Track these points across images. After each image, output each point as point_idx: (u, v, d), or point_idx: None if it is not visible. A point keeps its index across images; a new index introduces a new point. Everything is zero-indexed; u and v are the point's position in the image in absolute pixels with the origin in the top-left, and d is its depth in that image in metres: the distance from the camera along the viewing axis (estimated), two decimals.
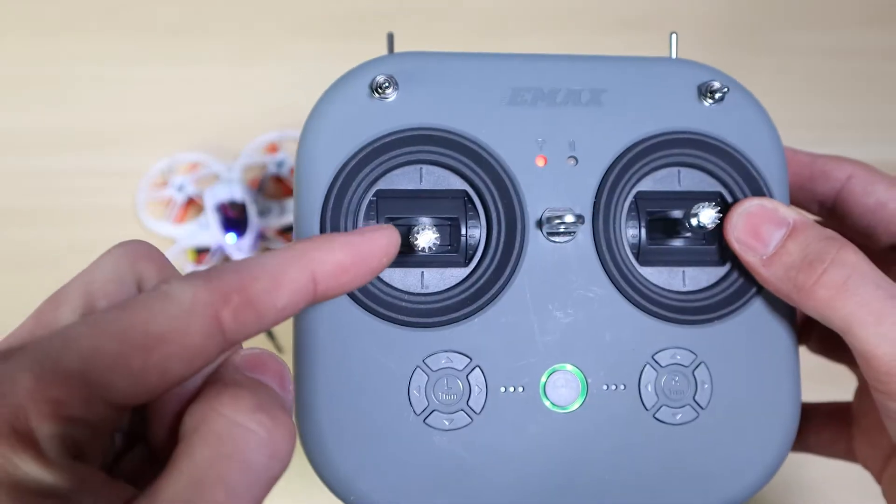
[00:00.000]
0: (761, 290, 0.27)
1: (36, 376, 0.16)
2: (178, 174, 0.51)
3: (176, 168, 0.52)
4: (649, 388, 0.26)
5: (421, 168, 0.26)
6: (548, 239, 0.26)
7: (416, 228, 0.25)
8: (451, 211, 0.26)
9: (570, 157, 0.26)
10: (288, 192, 0.52)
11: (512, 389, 0.26)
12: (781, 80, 0.56)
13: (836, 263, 0.24)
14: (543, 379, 0.26)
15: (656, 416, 0.26)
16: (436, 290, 0.26)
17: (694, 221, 0.25)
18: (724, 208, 0.27)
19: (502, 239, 0.26)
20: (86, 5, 0.59)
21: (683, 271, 0.27)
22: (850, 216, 0.30)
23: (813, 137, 0.54)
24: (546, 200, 0.26)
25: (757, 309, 0.27)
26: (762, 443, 0.26)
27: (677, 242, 0.27)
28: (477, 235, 0.26)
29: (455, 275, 0.26)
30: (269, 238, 0.49)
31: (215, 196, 0.48)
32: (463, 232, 0.26)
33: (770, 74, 0.56)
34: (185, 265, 0.48)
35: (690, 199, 0.27)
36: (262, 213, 0.49)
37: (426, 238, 0.25)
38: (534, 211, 0.26)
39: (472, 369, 0.26)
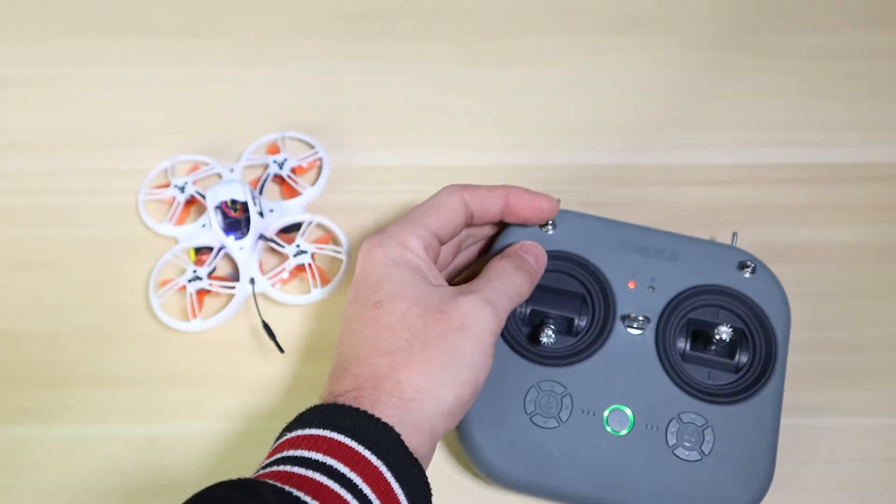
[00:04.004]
0: (756, 393, 0.41)
1: (408, 229, 0.39)
2: (179, 174, 0.51)
3: (177, 168, 0.52)
4: (672, 434, 0.40)
5: (560, 275, 0.44)
6: (626, 329, 0.42)
7: (546, 330, 0.42)
8: (570, 308, 0.43)
9: (650, 286, 0.43)
10: (289, 192, 0.52)
11: (587, 413, 0.41)
12: (781, 80, 0.56)
13: None
14: (606, 413, 0.41)
15: (674, 452, 0.40)
16: (554, 346, 0.43)
17: (717, 336, 0.41)
18: (743, 339, 0.42)
19: (598, 325, 0.43)
20: (87, 6, 0.59)
21: (709, 371, 0.42)
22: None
23: (813, 138, 0.54)
24: (630, 308, 0.43)
25: (752, 402, 0.41)
26: (745, 485, 0.39)
27: (709, 356, 0.42)
28: (584, 323, 0.43)
29: (568, 340, 0.43)
30: (269, 238, 0.49)
31: (217, 196, 0.48)
32: (576, 320, 0.43)
33: (769, 75, 0.56)
34: (187, 265, 0.48)
35: (721, 327, 0.42)
36: (264, 213, 0.49)
37: (546, 335, 0.42)
38: (621, 312, 0.43)
39: (565, 395, 0.41)
